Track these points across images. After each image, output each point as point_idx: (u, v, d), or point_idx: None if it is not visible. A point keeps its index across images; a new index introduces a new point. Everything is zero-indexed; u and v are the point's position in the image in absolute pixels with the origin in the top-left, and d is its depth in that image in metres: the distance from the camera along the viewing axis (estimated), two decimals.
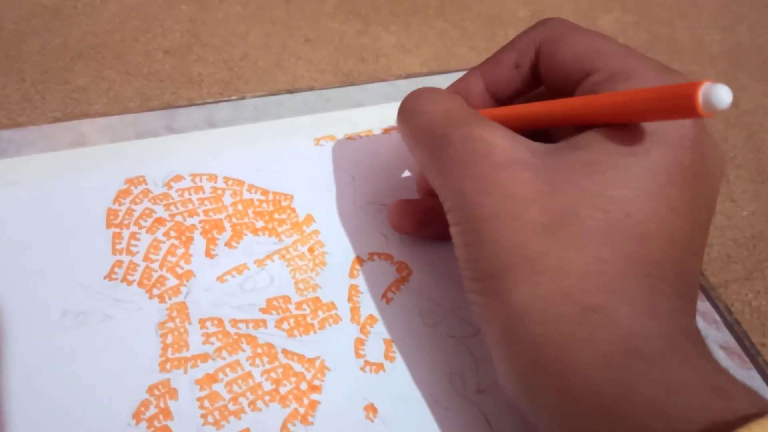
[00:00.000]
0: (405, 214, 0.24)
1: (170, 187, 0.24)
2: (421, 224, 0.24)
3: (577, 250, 0.16)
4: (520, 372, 0.17)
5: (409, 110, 0.21)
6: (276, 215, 0.24)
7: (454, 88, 0.23)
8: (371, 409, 0.20)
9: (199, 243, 0.23)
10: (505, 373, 0.18)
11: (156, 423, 0.19)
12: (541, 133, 0.19)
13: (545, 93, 0.22)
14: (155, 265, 0.22)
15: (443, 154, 0.18)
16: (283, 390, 0.20)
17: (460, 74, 0.31)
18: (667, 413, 0.14)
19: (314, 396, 0.20)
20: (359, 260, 0.23)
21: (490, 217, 0.17)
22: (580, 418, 0.15)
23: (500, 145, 0.18)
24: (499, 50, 0.22)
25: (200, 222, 0.23)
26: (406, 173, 0.26)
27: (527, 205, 0.17)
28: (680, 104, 0.15)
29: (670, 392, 0.14)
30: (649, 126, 0.17)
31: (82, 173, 0.23)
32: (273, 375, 0.20)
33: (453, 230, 0.19)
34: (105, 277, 0.21)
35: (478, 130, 0.18)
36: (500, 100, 0.22)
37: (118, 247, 0.22)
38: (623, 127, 0.17)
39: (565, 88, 0.20)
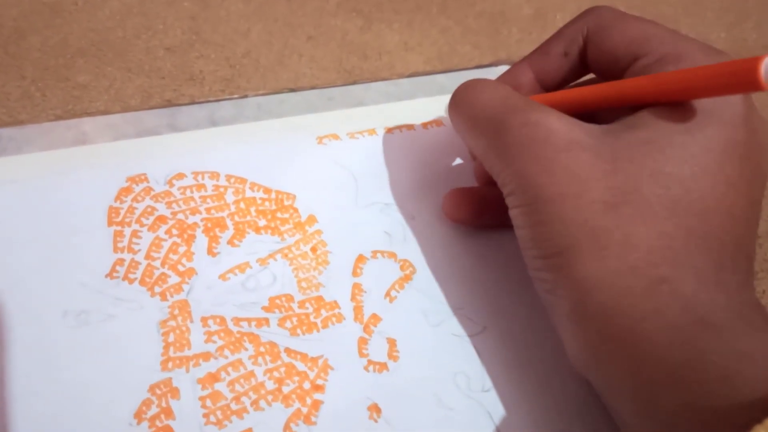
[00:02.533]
0: (461, 202, 0.24)
1: (172, 185, 0.24)
2: (477, 213, 0.24)
3: (642, 226, 0.17)
4: (589, 343, 0.17)
5: (463, 100, 0.21)
6: (278, 214, 0.24)
7: (504, 79, 0.23)
8: (375, 409, 0.20)
9: (201, 241, 0.23)
10: (574, 345, 0.18)
11: (158, 423, 0.19)
12: (588, 117, 0.19)
13: (592, 80, 0.23)
14: (157, 263, 0.22)
15: (503, 140, 0.19)
16: (285, 389, 0.20)
17: (463, 73, 0.31)
18: (734, 380, 0.15)
19: (317, 395, 0.20)
20: (362, 258, 0.23)
21: (555, 197, 0.18)
22: (648, 385, 0.16)
23: (558, 128, 0.18)
24: (547, 40, 0.23)
25: (202, 220, 0.23)
26: (409, 172, 0.26)
27: (590, 183, 0.17)
28: (743, 78, 0.16)
29: (738, 360, 0.15)
30: (701, 104, 0.18)
31: (83, 171, 0.23)
32: (276, 374, 0.20)
33: (515, 212, 0.19)
34: (106, 276, 0.21)
35: (534, 115, 0.19)
36: (549, 89, 0.23)
37: (120, 245, 0.22)
38: (677, 106, 0.18)
39: (614, 73, 0.20)
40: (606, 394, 0.18)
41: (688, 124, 0.18)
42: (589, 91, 0.20)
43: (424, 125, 0.27)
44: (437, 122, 0.28)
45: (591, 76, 0.23)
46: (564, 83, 0.23)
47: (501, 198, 0.20)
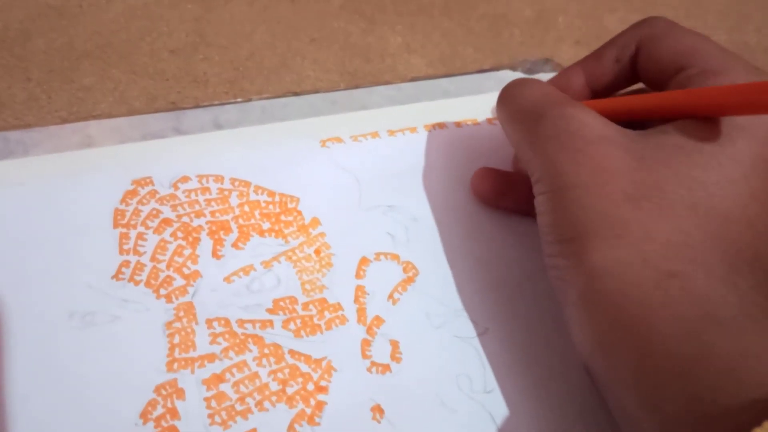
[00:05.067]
0: (487, 179, 0.25)
1: (177, 188, 0.24)
2: (501, 192, 0.25)
3: (660, 221, 0.17)
4: (596, 330, 0.18)
5: (510, 94, 0.23)
6: (282, 217, 0.24)
7: (556, 81, 0.24)
8: (378, 410, 0.20)
9: (206, 244, 0.23)
10: (582, 334, 0.18)
11: (163, 423, 0.19)
12: (631, 127, 0.20)
13: (642, 90, 0.24)
14: (162, 266, 0.22)
15: (537, 130, 0.20)
16: (289, 390, 0.20)
17: (466, 76, 0.32)
18: (740, 376, 0.15)
19: (321, 396, 0.20)
20: (365, 260, 0.23)
21: (578, 185, 0.18)
22: (653, 375, 0.16)
23: (591, 123, 0.19)
24: (601, 46, 0.24)
25: (207, 223, 0.23)
26: (412, 174, 0.26)
27: (615, 176, 0.18)
28: None
29: (743, 356, 0.15)
30: (735, 119, 0.18)
31: (89, 174, 0.23)
32: (280, 375, 0.20)
33: (539, 199, 0.20)
34: (112, 277, 0.21)
35: (571, 110, 0.20)
36: (598, 94, 0.24)
37: (125, 247, 0.22)
38: (711, 119, 0.18)
39: (660, 82, 0.21)
40: (609, 384, 0.18)
41: (720, 136, 0.18)
42: (628, 100, 0.21)
43: (427, 128, 0.28)
44: (440, 125, 0.28)
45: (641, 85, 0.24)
46: (613, 89, 0.24)
47: (527, 186, 0.21)
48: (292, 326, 0.22)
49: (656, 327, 0.16)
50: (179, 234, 0.23)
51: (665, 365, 0.16)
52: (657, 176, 0.18)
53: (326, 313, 0.22)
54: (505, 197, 0.25)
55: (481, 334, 0.22)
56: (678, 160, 0.18)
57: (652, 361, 0.16)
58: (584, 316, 0.18)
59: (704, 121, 0.19)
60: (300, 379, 0.20)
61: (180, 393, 0.20)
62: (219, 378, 0.20)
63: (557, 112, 0.20)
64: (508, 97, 0.23)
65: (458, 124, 0.28)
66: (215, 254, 0.23)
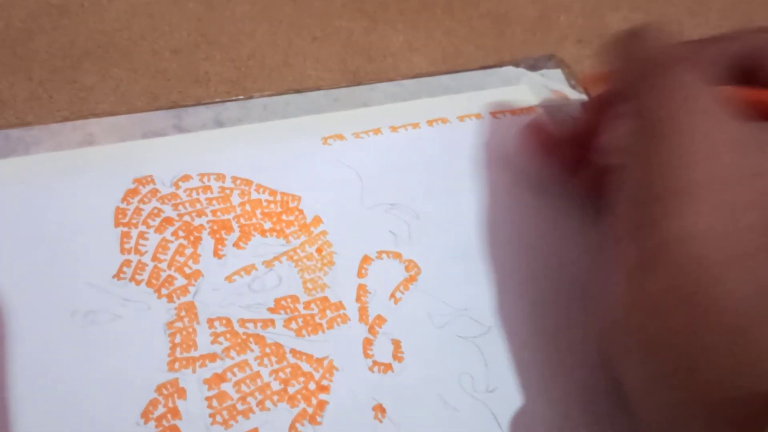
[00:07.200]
0: (543, 129, 0.26)
1: (178, 187, 0.24)
2: (548, 145, 0.26)
3: (752, 202, 0.17)
4: (650, 293, 0.17)
5: (640, 35, 0.22)
6: (284, 217, 0.24)
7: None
8: (380, 410, 0.20)
9: (208, 243, 0.23)
10: (628, 296, 0.18)
11: (164, 422, 0.19)
12: None
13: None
14: (164, 265, 0.22)
15: (660, 77, 0.20)
16: (291, 390, 0.20)
17: (468, 75, 0.31)
18: None
19: (323, 396, 0.20)
20: (367, 259, 0.23)
21: (681, 146, 0.18)
22: (703, 340, 0.16)
23: (714, 95, 0.19)
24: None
25: (208, 222, 0.23)
26: (414, 171, 0.26)
27: (720, 149, 0.18)
28: None
29: None
30: None
31: (90, 172, 0.23)
32: (281, 375, 0.20)
33: (632, 150, 0.20)
34: (113, 277, 0.21)
35: (700, 75, 0.19)
36: None
37: (127, 246, 0.22)
38: None
39: None
40: (640, 357, 0.18)
41: None
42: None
43: (430, 123, 0.28)
44: (443, 120, 0.28)
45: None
46: None
47: (574, 148, 0.23)
48: (293, 325, 0.21)
49: (717, 299, 0.16)
50: (181, 233, 0.23)
51: (713, 336, 0.16)
52: (757, 164, 0.18)
53: (328, 312, 0.22)
54: (553, 149, 0.26)
55: (484, 333, 0.22)
56: None
57: (701, 329, 0.16)
58: (640, 279, 0.18)
59: None
60: (302, 379, 0.20)
61: (181, 392, 0.20)
62: (220, 377, 0.20)
63: (686, 68, 0.19)
64: (638, 36, 0.22)
65: (461, 120, 0.28)
66: (217, 254, 0.23)
